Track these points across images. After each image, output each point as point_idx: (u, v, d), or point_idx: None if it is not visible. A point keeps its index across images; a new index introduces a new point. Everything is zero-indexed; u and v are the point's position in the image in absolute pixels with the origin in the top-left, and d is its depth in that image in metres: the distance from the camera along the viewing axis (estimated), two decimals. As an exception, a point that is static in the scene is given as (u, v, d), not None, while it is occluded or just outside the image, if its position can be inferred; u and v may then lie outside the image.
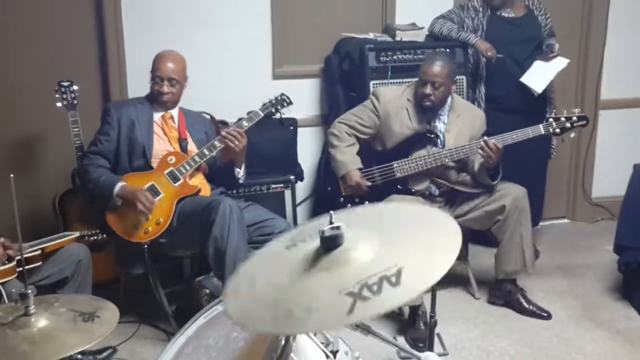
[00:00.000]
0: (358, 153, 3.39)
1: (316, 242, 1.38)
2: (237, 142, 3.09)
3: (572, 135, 3.31)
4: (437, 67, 3.21)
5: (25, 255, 2.46)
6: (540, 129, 3.24)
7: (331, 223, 1.34)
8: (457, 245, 1.27)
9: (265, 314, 1.26)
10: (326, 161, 3.58)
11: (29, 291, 1.71)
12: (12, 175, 1.75)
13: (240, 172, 3.22)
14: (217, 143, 3.13)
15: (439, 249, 1.30)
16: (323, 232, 1.33)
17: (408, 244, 1.34)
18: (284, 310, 1.23)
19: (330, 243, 1.35)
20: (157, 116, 3.21)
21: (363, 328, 1.48)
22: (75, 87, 3.33)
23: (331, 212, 1.37)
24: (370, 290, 1.20)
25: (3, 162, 3.65)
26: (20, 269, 2.47)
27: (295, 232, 1.49)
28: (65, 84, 3.32)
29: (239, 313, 1.31)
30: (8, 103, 3.64)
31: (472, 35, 3.73)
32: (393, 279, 1.22)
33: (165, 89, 3.14)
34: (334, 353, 1.51)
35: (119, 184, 3.01)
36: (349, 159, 3.35)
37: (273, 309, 1.25)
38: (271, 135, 3.75)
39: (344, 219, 1.35)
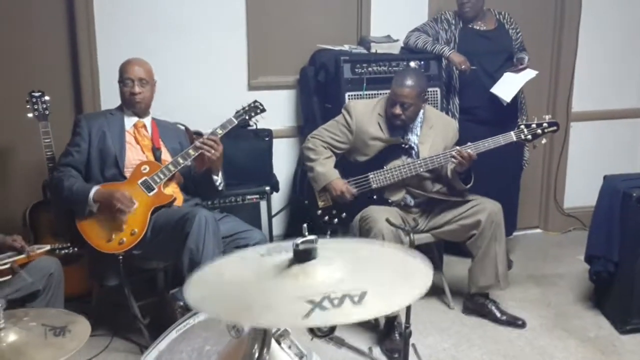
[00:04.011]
0: (334, 166, 3.39)
1: (290, 255, 1.40)
2: (213, 151, 3.07)
3: (544, 141, 3.36)
4: (407, 88, 3.23)
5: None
6: (512, 135, 3.28)
7: (305, 236, 1.35)
8: (424, 287, 1.32)
9: (224, 304, 1.31)
10: (302, 173, 3.58)
11: (-1, 306, 1.68)
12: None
13: (218, 180, 3.20)
14: (191, 151, 3.10)
15: (405, 286, 1.35)
16: (297, 245, 1.33)
17: (379, 276, 1.39)
18: (244, 303, 1.28)
19: (303, 255, 1.36)
20: (129, 124, 3.19)
21: (336, 341, 1.48)
22: (46, 98, 3.29)
23: (304, 225, 1.38)
24: (331, 303, 1.25)
25: (-28, 173, 3.60)
26: (-11, 282, 2.44)
27: (273, 245, 1.53)
28: (37, 94, 3.27)
29: (200, 299, 1.35)
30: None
31: (447, 47, 3.78)
32: (356, 299, 1.26)
33: (137, 89, 3.12)
34: (308, 366, 1.51)
35: (95, 188, 2.98)
36: (328, 170, 3.35)
37: (233, 301, 1.30)
38: (246, 146, 3.74)
39: (323, 243, 1.39)
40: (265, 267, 1.40)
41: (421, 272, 1.38)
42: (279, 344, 1.50)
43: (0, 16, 3.61)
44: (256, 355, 1.40)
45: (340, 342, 1.49)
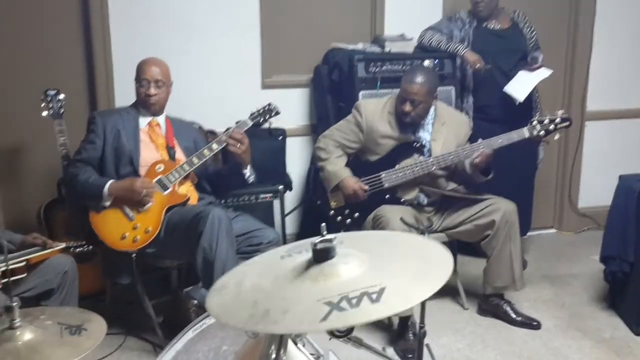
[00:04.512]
0: (346, 165, 3.38)
1: (310, 255, 1.39)
2: (239, 145, 3.09)
3: (557, 137, 3.32)
4: (417, 85, 3.20)
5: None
6: (525, 131, 3.25)
7: (323, 235, 1.34)
8: (444, 277, 1.31)
9: (244, 312, 1.30)
10: (315, 171, 3.57)
11: (15, 303, 1.67)
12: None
13: (247, 173, 3.21)
14: (206, 152, 3.11)
15: (425, 277, 1.33)
16: (315, 244, 1.33)
17: (397, 269, 1.37)
18: (262, 310, 1.28)
19: (321, 255, 1.35)
20: (143, 123, 3.20)
21: (355, 341, 1.47)
22: (61, 96, 3.30)
23: (323, 224, 1.37)
24: (349, 303, 1.24)
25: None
26: (5, 280, 2.44)
27: (293, 245, 1.52)
28: (52, 92, 3.29)
29: (220, 308, 1.35)
30: (-4, 111, 3.62)
31: (461, 46, 3.76)
32: (374, 296, 1.25)
33: (152, 90, 3.12)
34: (325, 366, 1.50)
35: (110, 181, 3.00)
36: (340, 168, 3.34)
37: (252, 308, 1.29)
38: (260, 144, 3.73)
39: (341, 238, 1.38)
40: (284, 271, 1.39)
41: (441, 261, 1.36)
42: (296, 344, 1.49)
43: (16, 15, 3.63)
44: (273, 355, 1.39)
45: (359, 342, 1.49)
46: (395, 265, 1.38)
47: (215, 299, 1.38)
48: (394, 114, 3.34)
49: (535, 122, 3.26)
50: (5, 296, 2.40)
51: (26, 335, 1.66)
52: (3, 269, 2.44)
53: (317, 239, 1.33)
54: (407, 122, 3.30)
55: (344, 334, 1.36)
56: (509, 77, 3.79)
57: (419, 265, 1.38)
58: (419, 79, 3.21)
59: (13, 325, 1.67)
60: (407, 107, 3.23)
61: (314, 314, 1.21)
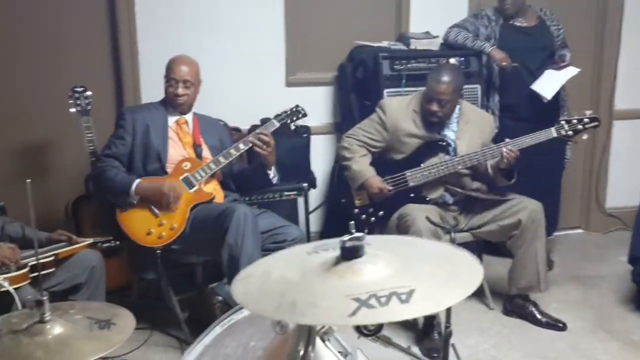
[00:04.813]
0: (370, 164, 3.37)
1: (337, 253, 1.39)
2: (265, 146, 3.10)
3: (585, 137, 3.28)
4: (444, 84, 3.18)
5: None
6: (552, 131, 3.22)
7: (352, 233, 1.34)
8: (475, 284, 1.32)
9: (270, 301, 1.31)
10: (339, 169, 3.57)
11: (45, 297, 1.69)
12: (28, 180, 1.74)
13: (271, 174, 3.22)
14: (233, 151, 3.13)
15: (455, 282, 1.34)
16: (344, 242, 1.32)
17: (426, 273, 1.38)
18: (289, 301, 1.28)
19: (349, 253, 1.35)
20: (171, 121, 3.22)
21: (383, 340, 1.47)
22: (88, 93, 3.33)
23: (351, 222, 1.36)
24: (378, 301, 1.24)
25: (18, 167, 3.67)
26: (33, 274, 2.47)
27: (320, 242, 1.53)
28: (79, 89, 3.32)
29: (246, 296, 1.37)
30: (23, 109, 3.66)
31: (487, 44, 3.73)
32: (403, 297, 1.25)
33: (180, 91, 3.14)
34: (353, 364, 1.50)
35: (137, 181, 3.02)
36: (364, 167, 3.33)
37: (279, 298, 1.30)
38: (284, 142, 3.73)
39: (369, 240, 1.38)
40: (312, 265, 1.40)
41: (470, 269, 1.36)
42: (324, 341, 1.49)
43: (43, 13, 3.67)
44: (301, 352, 1.39)
45: (387, 341, 1.48)
46: (424, 270, 1.38)
47: (241, 287, 1.39)
48: (419, 113, 3.32)
49: (563, 122, 3.23)
50: (34, 290, 2.44)
51: (56, 329, 1.68)
52: (32, 263, 2.47)
53: (346, 237, 1.33)
54: (435, 122, 3.28)
55: (373, 332, 1.35)
56: (535, 76, 3.75)
57: (448, 271, 1.38)
58: (446, 77, 3.19)
59: (43, 319, 1.69)
60: (435, 107, 3.21)
61: (343, 308, 1.22)
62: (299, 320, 1.30)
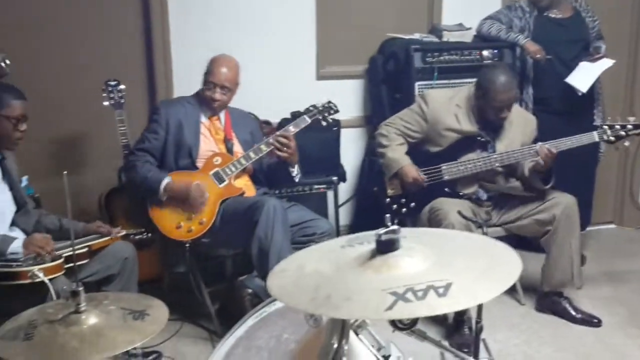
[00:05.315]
0: (406, 154, 3.34)
1: (372, 246, 1.39)
2: (285, 149, 3.10)
3: (627, 143, 3.23)
4: (511, 91, 3.14)
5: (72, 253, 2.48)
6: (595, 136, 3.18)
7: (387, 226, 1.33)
8: (513, 277, 1.29)
9: (305, 295, 1.31)
10: (370, 162, 3.56)
11: (81, 288, 1.71)
12: (65, 172, 1.75)
13: (294, 171, 3.22)
14: (263, 147, 3.13)
15: (492, 277, 1.32)
16: (380, 235, 1.32)
17: (463, 266, 1.36)
18: (324, 294, 1.29)
19: (385, 246, 1.34)
20: (204, 117, 3.23)
21: (418, 334, 1.46)
22: (122, 87, 3.36)
23: (387, 215, 1.35)
24: (415, 295, 1.23)
25: (52, 160, 3.72)
26: (68, 265, 2.50)
27: (354, 236, 1.52)
28: (113, 83, 3.35)
29: (281, 290, 1.37)
30: (58, 102, 3.70)
31: (522, 36, 3.68)
32: (440, 290, 1.24)
33: (217, 96, 3.13)
34: (386, 358, 1.49)
35: (165, 180, 3.04)
36: (400, 156, 3.30)
37: (313, 292, 1.30)
38: (314, 136, 3.73)
39: (404, 232, 1.38)
40: (346, 259, 1.39)
41: (508, 260, 1.34)
42: (357, 334, 1.48)
43: (77, 8, 3.71)
44: (335, 345, 1.39)
45: (423, 336, 1.47)
46: (461, 263, 1.37)
47: (276, 281, 1.40)
48: (463, 108, 3.27)
49: (605, 127, 3.18)
50: (68, 281, 2.47)
51: (91, 319, 1.70)
52: (67, 254, 2.50)
53: (381, 230, 1.32)
54: (498, 125, 3.24)
55: (408, 326, 1.34)
56: (570, 68, 3.69)
57: (485, 263, 1.36)
58: (510, 84, 3.14)
59: (79, 310, 1.71)
60: (505, 114, 3.18)
61: (379, 302, 1.21)
62: (333, 315, 1.30)
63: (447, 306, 1.20)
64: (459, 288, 1.23)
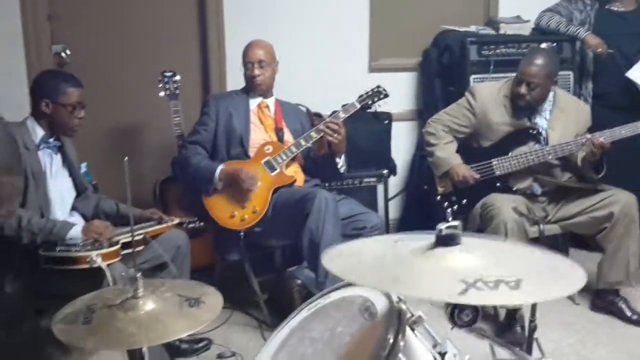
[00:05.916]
0: (456, 151, 3.30)
1: (426, 242, 1.38)
2: (335, 135, 3.08)
3: None
4: (535, 67, 3.07)
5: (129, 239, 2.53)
6: None
7: (448, 221, 1.31)
8: (579, 285, 1.32)
9: (371, 274, 1.33)
10: (421, 157, 3.52)
11: (139, 274, 1.74)
12: (126, 158, 1.78)
13: (340, 163, 3.21)
14: (313, 134, 3.13)
15: (560, 279, 1.33)
16: (440, 230, 1.30)
17: (528, 270, 1.35)
18: (391, 276, 1.29)
19: (445, 241, 1.33)
20: (253, 105, 3.26)
21: (478, 332, 1.43)
22: (177, 78, 3.42)
23: (448, 210, 1.34)
24: (486, 285, 1.22)
25: (108, 148, 3.80)
26: (125, 251, 2.55)
27: (405, 234, 1.51)
28: (168, 74, 3.41)
29: (342, 269, 1.37)
30: (118, 92, 3.78)
31: (582, 29, 3.59)
32: (512, 284, 1.22)
33: (256, 71, 3.18)
34: (442, 355, 1.47)
35: (220, 167, 3.07)
36: (450, 154, 3.26)
37: (378, 273, 1.32)
38: (365, 128, 3.73)
39: (469, 240, 1.38)
40: (403, 250, 1.38)
41: (571, 271, 1.34)
42: (413, 330, 1.47)
43: (137, 3, 3.77)
44: (391, 340, 1.37)
45: (482, 334, 1.45)
46: (525, 264, 1.36)
47: (334, 262, 1.40)
48: (510, 98, 3.22)
49: None
50: (124, 267, 2.52)
51: (148, 305, 1.72)
52: (125, 240, 2.55)
53: (443, 225, 1.31)
54: (522, 106, 3.17)
55: (468, 323, 1.32)
56: (632, 63, 3.60)
57: (549, 268, 1.35)
58: (539, 61, 3.08)
59: (136, 295, 1.73)
60: (523, 90, 3.11)
61: (451, 287, 1.21)
62: (410, 293, 1.29)
63: (521, 298, 1.20)
64: (529, 284, 1.21)
